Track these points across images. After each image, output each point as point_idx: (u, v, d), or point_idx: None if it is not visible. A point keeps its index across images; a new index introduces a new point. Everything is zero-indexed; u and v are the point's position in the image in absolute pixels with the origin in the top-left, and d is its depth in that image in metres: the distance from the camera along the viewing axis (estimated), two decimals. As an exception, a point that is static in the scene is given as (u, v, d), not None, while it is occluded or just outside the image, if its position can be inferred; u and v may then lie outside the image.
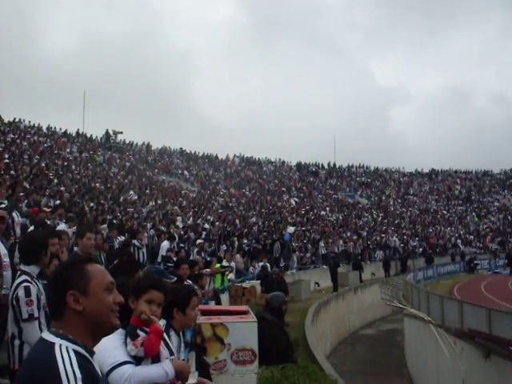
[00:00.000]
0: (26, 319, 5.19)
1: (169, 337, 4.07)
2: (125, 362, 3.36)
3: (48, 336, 2.37)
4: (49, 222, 12.72)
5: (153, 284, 3.76)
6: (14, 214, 11.02)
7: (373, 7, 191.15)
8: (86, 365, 2.30)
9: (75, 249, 8.02)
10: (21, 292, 5.26)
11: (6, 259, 7.15)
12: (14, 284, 5.46)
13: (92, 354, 2.42)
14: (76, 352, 2.30)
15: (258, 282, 20.82)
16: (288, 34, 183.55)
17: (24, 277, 5.42)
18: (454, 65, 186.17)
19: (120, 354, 3.39)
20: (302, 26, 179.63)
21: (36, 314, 5.23)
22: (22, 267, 5.58)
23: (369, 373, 21.71)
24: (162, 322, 4.13)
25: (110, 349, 3.35)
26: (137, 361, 3.46)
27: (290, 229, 33.97)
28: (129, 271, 5.52)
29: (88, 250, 8.12)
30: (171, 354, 3.72)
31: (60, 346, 2.29)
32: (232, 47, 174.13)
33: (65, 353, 2.26)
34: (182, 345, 4.41)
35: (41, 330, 5.20)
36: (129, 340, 3.49)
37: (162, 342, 3.62)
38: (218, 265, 18.36)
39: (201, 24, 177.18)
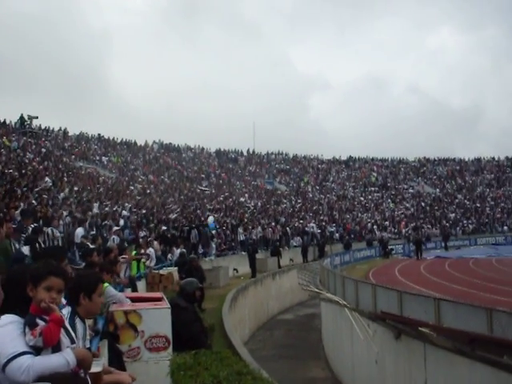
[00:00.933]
0: None
1: (74, 324, 3.97)
2: (23, 353, 3.23)
3: None
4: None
5: (51, 270, 3.63)
6: None
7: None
8: None
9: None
10: None
11: None
12: None
13: None
14: None
15: (176, 268, 20.73)
16: (208, 17, 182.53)
17: None
18: (371, 54, 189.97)
19: (18, 344, 3.26)
20: (223, 9, 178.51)
21: None
22: None
23: (287, 356, 22.03)
24: (66, 310, 4.04)
25: (7, 340, 3.23)
26: (37, 351, 3.35)
27: (210, 219, 33.90)
28: (55, 258, 5.40)
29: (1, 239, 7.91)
30: (72, 342, 3.62)
31: None
32: (151, 30, 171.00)
33: None
34: (88, 332, 4.31)
35: None
36: (27, 330, 3.36)
37: (62, 331, 3.53)
38: (134, 252, 18.16)
39: (119, 4, 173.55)
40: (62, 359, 3.38)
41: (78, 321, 4.07)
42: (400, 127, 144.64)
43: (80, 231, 18.01)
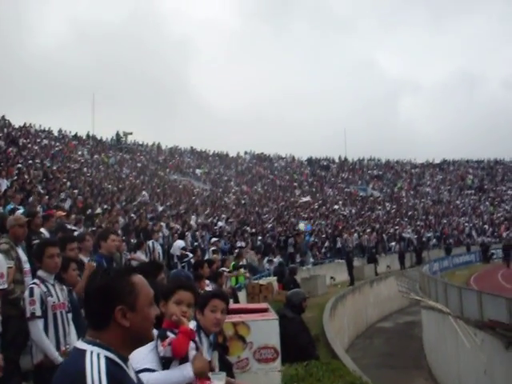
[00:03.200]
0: (29, 318, 5.60)
1: (200, 338, 4.05)
2: (144, 370, 3.33)
3: (80, 344, 2.37)
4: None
5: (181, 284, 3.77)
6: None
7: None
8: (116, 372, 2.28)
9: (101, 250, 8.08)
10: (26, 293, 5.76)
11: (27, 265, 7.21)
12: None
13: (126, 360, 2.41)
14: (108, 359, 2.29)
15: (275, 278, 20.78)
16: (299, 14, 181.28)
17: (34, 280, 5.90)
18: (462, 51, 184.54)
19: (143, 360, 3.37)
20: (309, 9, 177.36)
21: (38, 313, 5.59)
22: (38, 272, 6.00)
23: (388, 366, 21.64)
24: (192, 324, 4.11)
25: (140, 356, 3.33)
26: (167, 362, 3.44)
27: (301, 225, 33.86)
28: (151, 272, 5.54)
29: (112, 252, 8.24)
30: None
31: (91, 352, 2.29)
32: (235, 38, 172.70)
33: (95, 360, 2.25)
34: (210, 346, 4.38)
35: (47, 331, 5.61)
36: (159, 341, 3.48)
37: (192, 344, 3.61)
38: (232, 263, 18.33)
39: (201, 12, 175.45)
40: (179, 374, 3.45)
41: (202, 335, 4.14)
42: (495, 126, 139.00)
43: (180, 243, 18.35)
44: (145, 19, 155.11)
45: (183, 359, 3.53)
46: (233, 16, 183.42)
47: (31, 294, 5.66)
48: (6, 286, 6.26)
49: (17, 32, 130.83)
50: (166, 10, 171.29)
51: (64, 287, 5.99)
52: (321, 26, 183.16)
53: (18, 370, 6.48)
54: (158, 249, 16.97)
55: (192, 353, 3.60)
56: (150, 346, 3.42)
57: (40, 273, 5.88)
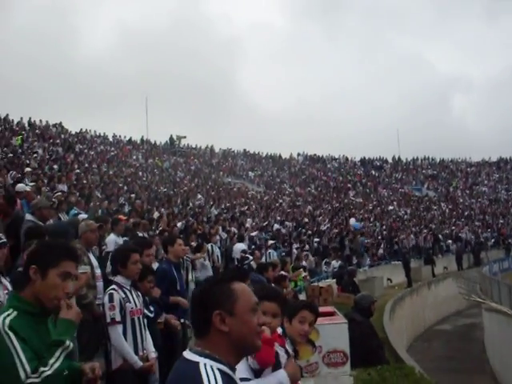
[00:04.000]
0: (109, 323, 5.68)
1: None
2: (242, 379, 3.33)
3: (191, 356, 2.39)
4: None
5: (264, 295, 3.73)
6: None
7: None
8: (229, 383, 2.31)
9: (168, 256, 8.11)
10: (105, 299, 5.81)
11: (98, 270, 7.35)
12: (104, 292, 6.03)
13: (234, 370, 2.42)
14: (220, 371, 2.31)
15: (334, 280, 20.65)
16: (349, 10, 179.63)
17: (112, 286, 5.91)
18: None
19: (239, 369, 3.37)
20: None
21: (118, 319, 5.65)
22: (112, 278, 6.10)
23: (449, 369, 21.22)
24: (279, 330, 4.10)
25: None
26: (259, 372, 3.44)
27: (352, 220, 33.65)
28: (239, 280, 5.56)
29: (180, 256, 8.29)
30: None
31: (205, 364, 2.31)
32: (282, 37, 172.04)
33: (210, 372, 2.27)
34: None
35: (125, 336, 5.67)
36: None
37: (281, 351, 3.59)
38: (291, 265, 18.26)
39: (249, 11, 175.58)
40: (275, 381, 3.45)
41: (287, 342, 4.13)
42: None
43: (240, 246, 18.41)
44: (192, 24, 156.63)
45: (275, 366, 3.52)
46: (281, 15, 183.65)
47: (111, 299, 5.73)
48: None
49: (69, 38, 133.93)
50: (212, 13, 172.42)
51: (139, 294, 6.07)
52: (371, 22, 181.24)
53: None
54: (217, 252, 17.09)
55: (283, 358, 3.59)
56: None
57: (118, 279, 5.94)
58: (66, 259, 3.26)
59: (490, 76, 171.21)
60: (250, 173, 52.90)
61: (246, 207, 33.99)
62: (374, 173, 64.16)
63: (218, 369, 2.30)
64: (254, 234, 24.67)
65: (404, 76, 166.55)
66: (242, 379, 3.34)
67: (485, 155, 73.18)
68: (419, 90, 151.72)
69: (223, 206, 32.00)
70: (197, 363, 2.31)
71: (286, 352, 3.73)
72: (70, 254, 3.33)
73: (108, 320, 5.68)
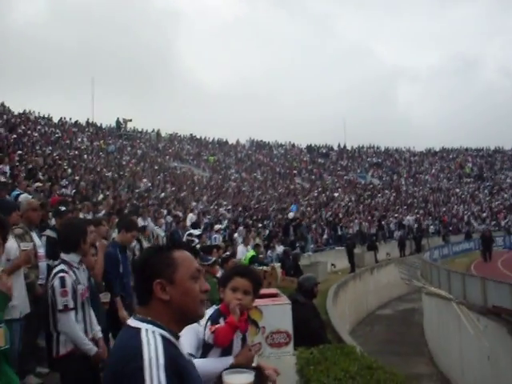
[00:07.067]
0: (61, 310, 5.18)
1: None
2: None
3: (134, 322, 2.38)
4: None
5: (237, 271, 3.73)
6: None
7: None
8: (171, 350, 2.30)
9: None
10: (56, 282, 5.23)
11: (41, 250, 7.19)
12: (52, 272, 5.41)
13: (177, 338, 2.42)
14: (162, 336, 2.31)
15: (279, 264, 20.78)
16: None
17: (62, 266, 5.35)
18: (457, 37, 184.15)
19: (186, 344, 3.30)
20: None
21: (71, 305, 5.19)
22: (62, 256, 5.49)
23: (390, 352, 21.65)
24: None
25: (185, 339, 3.28)
26: (207, 348, 3.43)
27: (290, 214, 33.85)
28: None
29: (129, 244, 8.12)
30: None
31: (146, 330, 2.30)
32: (227, 22, 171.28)
33: (151, 337, 2.27)
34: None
35: (77, 320, 5.25)
36: (209, 323, 3.49)
37: (239, 339, 3.54)
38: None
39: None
40: (219, 366, 3.34)
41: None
42: (494, 114, 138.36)
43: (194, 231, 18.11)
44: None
45: (225, 350, 3.48)
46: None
47: (63, 284, 5.22)
48: None
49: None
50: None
51: (85, 268, 5.71)
52: (323, 8, 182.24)
53: (35, 354, 6.43)
54: (162, 236, 17.02)
55: (237, 345, 3.54)
56: (194, 327, 3.35)
57: (66, 256, 5.46)
58: None
59: (433, 69, 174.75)
60: (209, 158, 52.72)
61: (192, 191, 33.91)
62: (319, 160, 64.66)
63: (160, 334, 2.30)
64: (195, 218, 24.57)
65: (351, 65, 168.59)
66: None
67: (428, 145, 74.59)
68: (366, 80, 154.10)
69: (168, 190, 31.85)
70: (139, 329, 2.31)
71: (243, 339, 3.63)
72: None
73: (60, 307, 5.18)
